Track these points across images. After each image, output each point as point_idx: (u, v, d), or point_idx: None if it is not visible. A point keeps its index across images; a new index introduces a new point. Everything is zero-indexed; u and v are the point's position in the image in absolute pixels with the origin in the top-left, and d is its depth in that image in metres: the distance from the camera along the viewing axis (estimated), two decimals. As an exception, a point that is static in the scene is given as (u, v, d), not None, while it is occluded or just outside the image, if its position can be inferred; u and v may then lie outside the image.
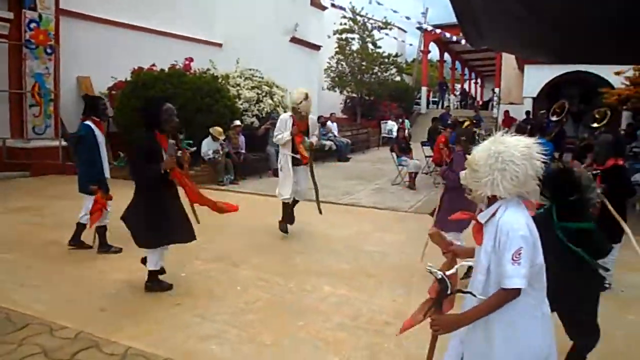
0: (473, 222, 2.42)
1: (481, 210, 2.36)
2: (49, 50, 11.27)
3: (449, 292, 2.31)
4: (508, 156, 2.18)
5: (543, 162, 2.24)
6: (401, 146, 11.89)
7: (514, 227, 2.16)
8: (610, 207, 4.50)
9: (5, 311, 4.16)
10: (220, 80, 12.31)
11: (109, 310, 4.27)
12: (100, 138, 5.77)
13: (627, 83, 14.27)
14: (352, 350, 3.75)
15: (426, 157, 12.94)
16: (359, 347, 3.81)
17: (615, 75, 15.37)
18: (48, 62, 11.32)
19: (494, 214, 2.25)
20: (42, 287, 4.78)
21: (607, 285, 5.08)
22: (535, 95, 19.75)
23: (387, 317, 4.36)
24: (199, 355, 3.60)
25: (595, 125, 15.73)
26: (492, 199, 2.28)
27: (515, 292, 2.14)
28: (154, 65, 11.82)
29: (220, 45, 15.66)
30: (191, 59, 12.27)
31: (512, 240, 2.14)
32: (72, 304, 4.39)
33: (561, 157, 14.70)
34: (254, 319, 4.20)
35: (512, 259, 2.12)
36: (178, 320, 4.13)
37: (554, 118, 15.26)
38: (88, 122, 5.70)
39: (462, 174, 2.44)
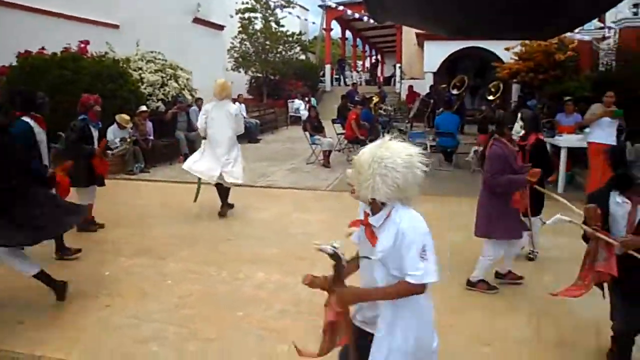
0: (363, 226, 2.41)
1: (367, 214, 2.37)
2: None
3: (344, 263, 2.37)
4: (390, 163, 2.21)
5: None
6: (314, 125, 11.90)
7: (415, 225, 2.23)
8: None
9: None
10: (121, 64, 11.58)
11: (28, 323, 3.89)
12: (41, 135, 5.03)
13: (516, 58, 15.21)
14: (299, 337, 3.70)
15: (338, 134, 13.06)
16: (306, 332, 3.77)
17: (506, 51, 16.35)
18: None
19: (388, 216, 2.28)
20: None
21: (533, 256, 5.42)
22: (435, 70, 20.53)
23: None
24: (140, 359, 3.39)
25: (490, 97, 16.78)
26: (373, 202, 2.30)
27: (423, 287, 2.20)
28: (43, 48, 10.85)
29: (117, 26, 14.65)
30: (87, 42, 11.40)
31: (416, 238, 2.19)
32: (-17, 320, 3.96)
33: (463, 128, 15.52)
34: (192, 314, 4.03)
35: (420, 257, 2.17)
36: (109, 324, 3.87)
37: (455, 92, 16.01)
38: (25, 118, 4.91)
39: (349, 172, 2.44)
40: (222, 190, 7.12)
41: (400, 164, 2.20)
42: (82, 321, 3.91)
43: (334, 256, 2.33)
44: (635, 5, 11.47)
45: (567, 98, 10.04)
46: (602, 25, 14.16)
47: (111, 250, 5.56)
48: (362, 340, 2.40)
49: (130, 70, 11.83)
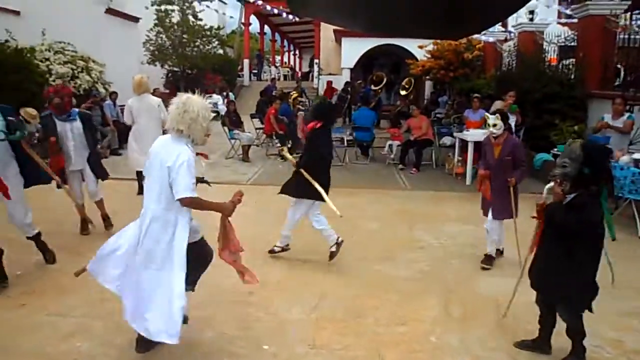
0: None
1: None
2: None
3: None
4: (191, 103, 3.17)
5: None
6: (232, 119, 11.89)
7: None
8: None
9: None
10: (25, 54, 10.96)
11: None
12: None
13: (429, 56, 15.98)
14: (224, 324, 3.82)
15: (257, 129, 13.13)
16: (231, 319, 3.90)
17: (419, 49, 17.12)
18: None
19: None
20: None
21: None
22: (352, 66, 21.06)
23: (250, 288, 4.45)
24: (65, 355, 3.35)
25: (403, 92, 17.51)
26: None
27: None
28: None
29: (17, 12, 13.82)
30: (-18, 29, 10.71)
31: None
32: None
33: (379, 123, 16.08)
34: (117, 307, 3.99)
35: None
36: (27, 323, 3.77)
37: (373, 87, 16.54)
38: None
39: None
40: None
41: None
42: (-5, 322, 3.78)
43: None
44: (530, 12, 12.43)
45: (474, 95, 10.74)
46: (504, 28, 15.20)
47: (21, 249, 5.32)
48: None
49: (36, 61, 11.24)
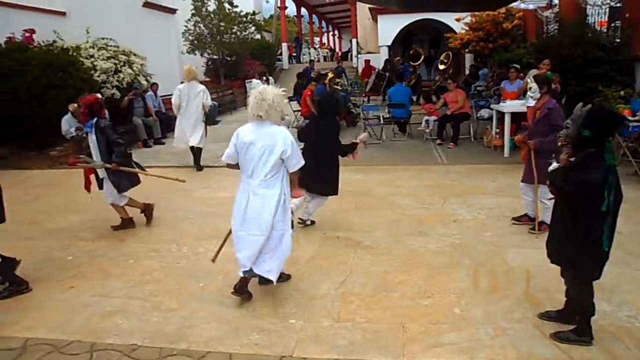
0: None
1: None
2: None
3: None
4: (264, 94, 3.68)
5: None
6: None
7: None
8: None
9: None
10: (71, 52, 11.40)
11: (-7, 306, 4.04)
12: None
13: (467, 28, 15.56)
14: (255, 301, 3.97)
15: (294, 111, 13.23)
16: (261, 297, 4.04)
17: (457, 22, 16.69)
18: None
19: None
20: None
21: None
22: (390, 43, 20.76)
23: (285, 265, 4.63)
24: (106, 332, 3.59)
25: (441, 67, 17.18)
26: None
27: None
28: (-15, 39, 10.62)
29: (64, 13, 14.34)
30: (33, 31, 11.17)
31: None
32: (-53, 306, 4.08)
33: (418, 99, 15.88)
34: (154, 289, 4.24)
35: None
36: (75, 303, 4.05)
37: (412, 63, 16.31)
38: None
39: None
40: (195, 152, 9.29)
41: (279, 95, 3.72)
42: (47, 303, 4.07)
43: None
44: (571, -25, 11.92)
45: (512, 65, 10.45)
46: (545, -6, 14.63)
47: (71, 236, 5.68)
48: None
49: (82, 59, 11.67)
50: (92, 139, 5.56)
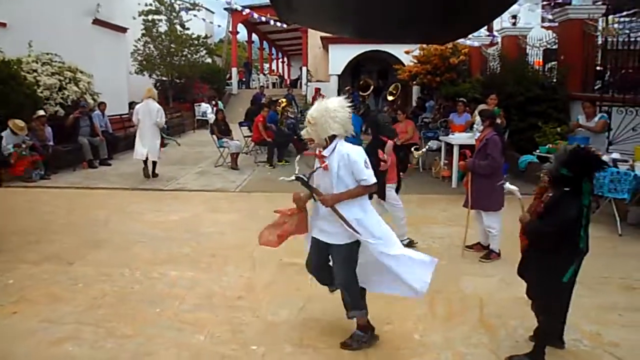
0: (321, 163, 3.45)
1: (320, 151, 3.47)
2: None
3: (307, 179, 3.54)
4: (333, 108, 3.38)
5: None
6: (221, 128, 11.96)
7: (353, 149, 3.39)
8: None
9: None
10: (12, 66, 10.96)
11: None
12: None
13: (415, 61, 16.14)
14: (214, 327, 3.89)
15: (245, 137, 13.21)
16: (220, 322, 3.97)
17: (405, 54, 17.29)
18: None
19: (334, 148, 3.40)
20: None
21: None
22: (340, 72, 21.22)
23: (239, 292, 4.59)
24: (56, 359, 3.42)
25: (390, 98, 17.64)
26: (328, 142, 3.43)
27: (372, 187, 3.43)
28: None
29: (4, 24, 13.83)
30: (-30, 41, 10.72)
31: (357, 156, 3.36)
32: None
33: (367, 129, 16.18)
34: (107, 313, 4.08)
35: (365, 166, 3.35)
36: (19, 329, 3.82)
37: (361, 93, 16.65)
38: None
39: (304, 132, 3.52)
40: (151, 164, 10.13)
41: (339, 107, 3.39)
42: (-12, 329, 3.84)
43: (300, 180, 3.52)
44: (513, 17, 12.68)
45: (459, 99, 10.91)
46: (488, 32, 15.43)
47: (12, 258, 5.39)
48: (322, 244, 3.59)
49: (24, 73, 11.25)
50: None
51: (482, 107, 8.73)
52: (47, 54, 12.42)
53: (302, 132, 3.57)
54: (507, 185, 3.75)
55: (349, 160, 3.33)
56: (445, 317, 4.12)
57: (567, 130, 8.29)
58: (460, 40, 13.81)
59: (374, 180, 3.39)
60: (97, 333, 3.77)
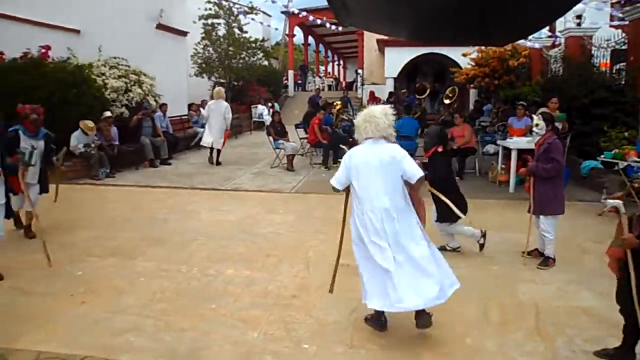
0: None
1: None
2: None
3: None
4: (373, 114, 3.71)
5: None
6: (277, 130, 12.15)
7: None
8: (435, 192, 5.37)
9: None
10: (84, 70, 11.56)
11: (2, 320, 4.03)
12: None
13: (472, 64, 15.83)
14: (267, 325, 3.98)
15: (301, 139, 13.35)
16: (273, 321, 4.06)
17: (463, 57, 16.99)
18: None
19: None
20: None
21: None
22: (395, 75, 21.08)
23: (293, 291, 4.66)
24: (119, 348, 3.60)
25: (447, 101, 17.39)
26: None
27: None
28: (2, 53, 10.79)
29: (78, 32, 14.60)
30: (48, 47, 11.36)
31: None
32: (-42, 317, 4.09)
33: (422, 132, 16.01)
34: (166, 308, 4.25)
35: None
36: (87, 319, 4.05)
37: (418, 96, 16.53)
38: None
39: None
40: (216, 152, 12.07)
41: (378, 114, 3.70)
42: (58, 317, 4.08)
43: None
44: (578, 17, 12.20)
45: (519, 102, 10.63)
46: (551, 33, 14.93)
47: (80, 252, 5.69)
48: None
49: (94, 76, 11.83)
50: (38, 145, 5.97)
51: (542, 110, 8.47)
52: (115, 58, 13.00)
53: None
54: (609, 201, 3.57)
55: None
56: (499, 323, 4.04)
57: (636, 135, 7.90)
58: (520, 42, 13.44)
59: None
60: (156, 326, 3.94)
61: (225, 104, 12.26)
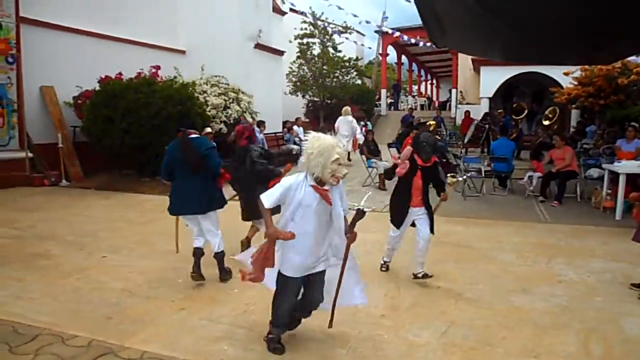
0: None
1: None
2: (10, 60, 11.05)
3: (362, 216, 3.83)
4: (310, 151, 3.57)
5: None
6: (370, 148, 12.21)
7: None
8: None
9: (10, 324, 4.21)
10: (188, 88, 12.34)
11: (115, 318, 4.38)
12: None
13: (575, 83, 15.02)
14: (356, 342, 4.00)
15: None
16: (362, 338, 4.07)
17: (565, 76, 16.19)
18: (10, 72, 11.11)
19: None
20: (40, 299, 4.83)
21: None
22: (491, 95, 20.50)
23: (383, 311, 4.65)
24: (213, 355, 3.77)
25: (546, 122, 16.61)
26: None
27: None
28: (120, 73, 11.77)
29: (184, 52, 15.67)
30: (158, 67, 12.26)
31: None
32: (77, 314, 4.48)
33: (519, 154, 15.43)
34: (258, 319, 4.39)
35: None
36: (185, 324, 4.29)
37: (514, 117, 15.96)
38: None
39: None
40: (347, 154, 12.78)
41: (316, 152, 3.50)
42: (161, 320, 4.36)
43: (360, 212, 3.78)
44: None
45: (630, 124, 9.95)
46: (668, 49, 13.86)
47: (184, 261, 6.01)
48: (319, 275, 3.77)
49: (196, 94, 12.58)
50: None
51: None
52: (215, 76, 13.77)
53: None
54: None
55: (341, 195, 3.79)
56: (601, 358, 3.79)
57: None
58: (632, 59, 12.60)
59: None
60: (248, 336, 4.09)
61: (351, 117, 14.82)
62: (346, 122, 14.66)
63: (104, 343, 3.89)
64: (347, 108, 15.18)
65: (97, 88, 11.27)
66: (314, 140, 3.57)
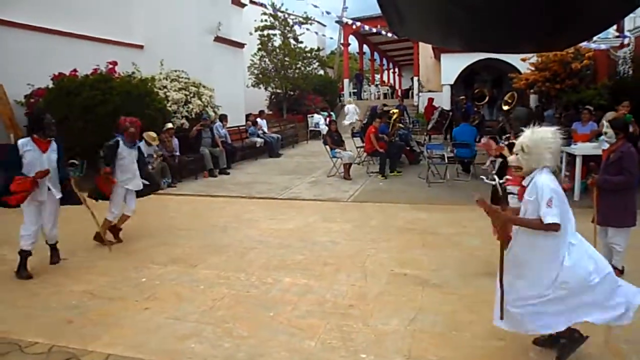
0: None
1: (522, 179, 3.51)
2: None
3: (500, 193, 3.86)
4: (551, 140, 3.27)
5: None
6: (334, 139, 12.20)
7: (547, 183, 3.22)
8: None
9: (-37, 334, 4.04)
10: (147, 83, 12.05)
11: (76, 322, 4.24)
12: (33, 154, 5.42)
13: (532, 68, 15.34)
14: (324, 334, 3.98)
15: (357, 147, 13.35)
16: (331, 329, 4.05)
17: (522, 62, 16.51)
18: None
19: (531, 180, 3.33)
20: (-5, 306, 4.65)
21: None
22: (452, 82, 20.76)
23: (350, 301, 4.64)
24: (180, 354, 3.69)
25: (506, 107, 16.89)
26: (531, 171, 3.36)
27: (553, 226, 3.17)
28: (75, 70, 11.39)
29: (141, 47, 15.29)
30: (115, 63, 11.92)
31: (546, 192, 3.19)
32: (35, 319, 4.32)
33: (481, 139, 15.63)
34: (225, 315, 4.34)
35: (547, 205, 3.16)
36: (150, 324, 4.19)
37: (476, 103, 16.19)
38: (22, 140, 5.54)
39: (514, 159, 3.43)
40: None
41: (553, 138, 3.27)
42: (125, 321, 4.24)
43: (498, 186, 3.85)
44: (648, 14, 11.67)
45: (584, 107, 10.21)
46: (618, 33, 14.28)
47: (144, 259, 5.91)
48: None
49: (156, 89, 12.30)
50: (134, 155, 6.72)
51: (610, 115, 8.12)
52: (175, 71, 13.48)
53: (511, 159, 3.46)
54: None
55: (538, 193, 3.23)
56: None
57: None
58: (584, 44, 12.91)
59: (554, 220, 3.14)
60: (216, 332, 4.02)
61: (354, 106, 17.35)
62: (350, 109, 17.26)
63: (66, 348, 3.76)
64: (351, 100, 16.37)
65: (51, 86, 10.89)
66: (543, 134, 3.29)
